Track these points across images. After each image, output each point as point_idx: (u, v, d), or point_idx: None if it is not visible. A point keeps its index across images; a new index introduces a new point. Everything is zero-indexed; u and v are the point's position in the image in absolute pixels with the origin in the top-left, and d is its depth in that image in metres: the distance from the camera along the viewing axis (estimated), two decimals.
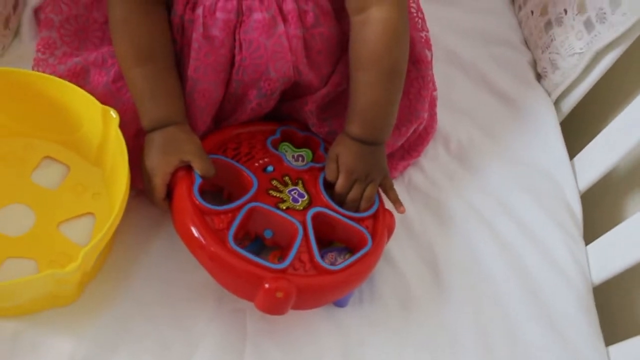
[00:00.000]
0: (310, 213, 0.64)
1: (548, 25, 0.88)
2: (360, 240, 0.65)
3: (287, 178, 0.68)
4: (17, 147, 0.70)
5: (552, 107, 0.89)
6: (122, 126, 0.63)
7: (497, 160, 0.83)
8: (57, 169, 0.70)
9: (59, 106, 0.67)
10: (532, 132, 0.86)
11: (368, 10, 0.65)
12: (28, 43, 0.77)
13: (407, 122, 0.75)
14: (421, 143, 0.80)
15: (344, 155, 0.67)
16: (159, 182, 0.63)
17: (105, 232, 0.57)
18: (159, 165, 0.63)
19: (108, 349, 0.60)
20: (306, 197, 0.66)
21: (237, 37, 0.65)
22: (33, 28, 0.78)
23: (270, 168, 0.68)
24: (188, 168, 0.63)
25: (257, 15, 0.64)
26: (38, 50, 0.71)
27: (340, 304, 0.66)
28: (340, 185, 0.67)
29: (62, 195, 0.68)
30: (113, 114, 0.63)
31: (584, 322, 0.70)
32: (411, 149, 0.79)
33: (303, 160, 0.72)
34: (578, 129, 0.89)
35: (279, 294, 0.56)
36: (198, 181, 0.61)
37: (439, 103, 0.83)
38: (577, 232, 0.78)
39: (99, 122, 0.65)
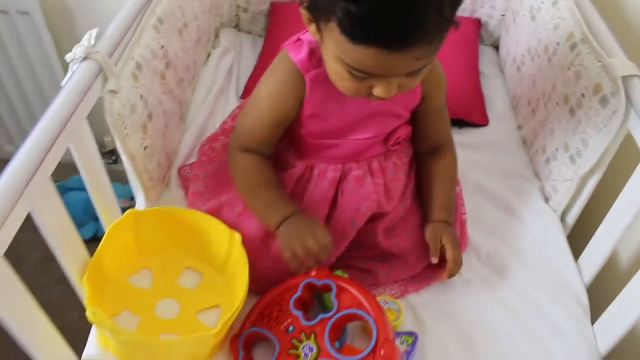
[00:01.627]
0: None
1: (547, 161, 1.13)
2: None
3: (303, 334, 0.82)
4: (168, 261, 0.97)
5: (559, 222, 1.10)
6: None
7: (518, 266, 1.03)
8: (194, 275, 0.97)
9: (199, 231, 0.95)
10: (544, 241, 1.07)
11: (442, 148, 1.01)
12: (174, 192, 1.09)
13: None
14: None
15: (447, 234, 0.95)
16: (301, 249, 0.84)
17: (233, 313, 0.83)
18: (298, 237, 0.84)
19: None
20: (315, 349, 0.79)
21: (339, 186, 0.95)
22: (177, 181, 1.11)
23: (291, 328, 0.82)
24: None
25: (354, 173, 0.96)
26: (188, 198, 1.02)
27: None
28: (457, 253, 0.93)
29: (198, 293, 0.95)
30: (237, 236, 0.91)
31: None
32: None
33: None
34: (580, 236, 1.09)
35: None
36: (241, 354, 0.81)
37: (471, 224, 1.06)
38: (585, 317, 0.97)
39: (226, 242, 0.93)
